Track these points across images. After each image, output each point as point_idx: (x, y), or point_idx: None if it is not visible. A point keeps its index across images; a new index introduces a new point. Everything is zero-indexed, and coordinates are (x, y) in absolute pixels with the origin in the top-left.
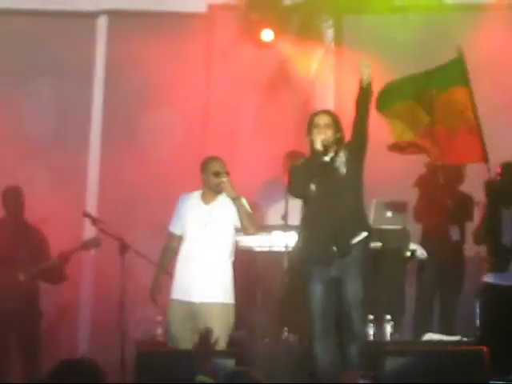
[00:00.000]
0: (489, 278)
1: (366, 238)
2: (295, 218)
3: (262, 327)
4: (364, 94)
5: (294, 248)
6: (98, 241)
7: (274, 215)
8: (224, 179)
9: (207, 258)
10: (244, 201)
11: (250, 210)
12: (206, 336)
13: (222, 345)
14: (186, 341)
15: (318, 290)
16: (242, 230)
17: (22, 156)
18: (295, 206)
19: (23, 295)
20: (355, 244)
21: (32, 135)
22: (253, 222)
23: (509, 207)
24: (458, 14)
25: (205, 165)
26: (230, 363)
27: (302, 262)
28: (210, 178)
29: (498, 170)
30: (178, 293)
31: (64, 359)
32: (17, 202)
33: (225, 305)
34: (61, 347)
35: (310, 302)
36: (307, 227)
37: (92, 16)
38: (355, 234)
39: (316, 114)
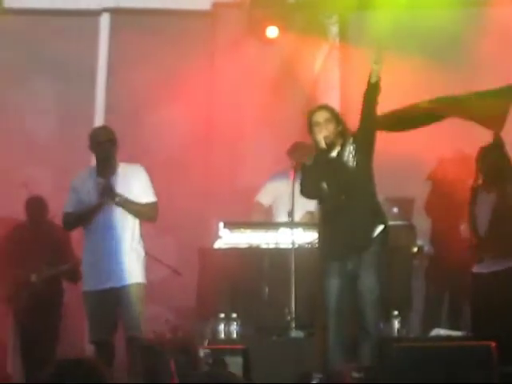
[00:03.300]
0: (473, 268)
1: (383, 231)
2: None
3: (269, 324)
4: (372, 89)
5: (312, 246)
6: None
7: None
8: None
9: (110, 238)
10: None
11: (136, 204)
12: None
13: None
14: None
15: (334, 285)
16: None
17: (25, 156)
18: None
19: (36, 294)
20: (374, 238)
21: (34, 135)
22: (145, 212)
23: (488, 191)
24: (466, 10)
25: (90, 137)
26: (238, 360)
27: (320, 258)
28: (94, 150)
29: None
30: (90, 282)
31: (61, 359)
32: (39, 213)
33: (136, 285)
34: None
35: (326, 296)
36: (325, 225)
37: (95, 14)
38: (373, 228)
39: (313, 112)
